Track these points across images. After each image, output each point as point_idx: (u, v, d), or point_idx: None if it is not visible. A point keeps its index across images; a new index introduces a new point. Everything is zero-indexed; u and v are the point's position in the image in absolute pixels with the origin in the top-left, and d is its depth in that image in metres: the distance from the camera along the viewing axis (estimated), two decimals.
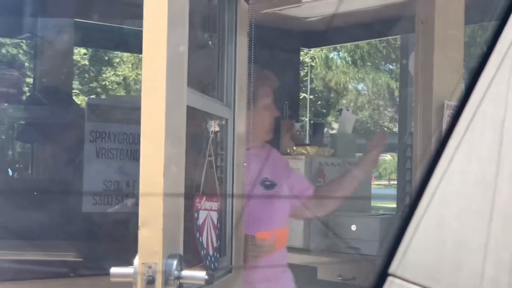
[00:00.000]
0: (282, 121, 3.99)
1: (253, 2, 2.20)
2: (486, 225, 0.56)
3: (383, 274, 0.65)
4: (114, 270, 1.48)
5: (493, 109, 0.58)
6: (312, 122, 5.64)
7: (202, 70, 2.29)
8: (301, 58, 7.25)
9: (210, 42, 2.68)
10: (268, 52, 3.85)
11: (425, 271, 0.61)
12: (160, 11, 1.40)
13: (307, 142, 4.43)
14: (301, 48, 5.26)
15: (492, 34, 0.60)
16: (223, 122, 2.22)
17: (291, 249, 3.04)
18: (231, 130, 2.19)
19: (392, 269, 0.64)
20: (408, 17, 3.11)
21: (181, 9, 1.49)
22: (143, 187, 1.44)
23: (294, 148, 4.01)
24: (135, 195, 2.55)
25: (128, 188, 2.83)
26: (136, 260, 1.42)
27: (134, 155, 2.82)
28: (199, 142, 2.14)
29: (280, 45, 4.31)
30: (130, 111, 2.91)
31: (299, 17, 4.17)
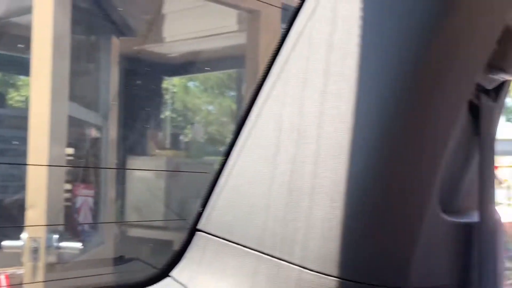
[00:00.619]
0: (149, 131, 3.99)
1: (125, 40, 2.23)
2: (268, 192, 0.57)
3: (193, 230, 0.64)
4: (5, 243, 1.42)
5: (274, 106, 0.58)
6: (172, 132, 5.70)
7: (83, 89, 2.25)
8: (166, 85, 7.17)
9: (90, 68, 2.62)
10: (138, 78, 3.79)
11: (223, 226, 0.61)
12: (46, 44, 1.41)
13: (168, 147, 4.50)
14: (165, 77, 5.25)
15: (273, 53, 0.60)
16: (100, 129, 2.21)
17: None
18: (106, 136, 2.18)
19: (200, 225, 0.63)
20: (240, 55, 3.17)
21: (64, 43, 1.49)
22: (30, 177, 1.41)
23: (157, 151, 4.04)
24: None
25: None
26: (24, 235, 1.38)
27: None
28: (80, 143, 2.10)
29: (147, 74, 4.27)
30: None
31: (163, 53, 4.14)
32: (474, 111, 0.59)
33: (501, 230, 0.66)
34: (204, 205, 0.63)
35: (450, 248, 0.58)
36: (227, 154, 0.62)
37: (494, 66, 0.56)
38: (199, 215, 0.63)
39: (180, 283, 0.61)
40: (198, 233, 0.63)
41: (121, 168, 2.31)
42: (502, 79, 0.60)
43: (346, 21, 0.53)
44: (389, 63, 0.50)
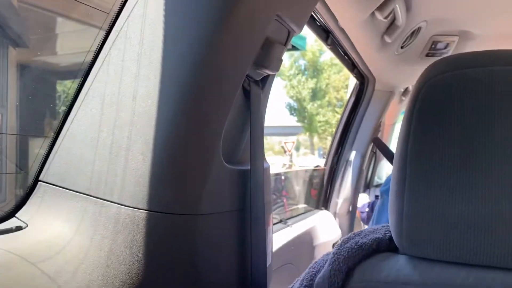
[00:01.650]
0: None
1: None
2: (95, 149, 0.57)
3: (36, 181, 0.62)
4: None
5: (99, 86, 0.59)
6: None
7: None
8: None
9: None
10: None
11: (59, 176, 0.60)
12: None
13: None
14: None
15: (99, 45, 0.61)
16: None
17: None
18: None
19: (40, 176, 0.62)
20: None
21: None
22: None
23: None
24: None
25: None
26: None
27: None
28: None
29: None
30: None
31: None
32: (247, 94, 0.68)
33: (268, 174, 0.75)
34: (44, 160, 0.62)
35: (232, 186, 0.66)
36: (63, 120, 0.62)
37: (259, 64, 0.66)
38: (40, 168, 0.62)
39: (23, 222, 0.59)
40: (39, 183, 0.62)
41: None
42: (265, 73, 0.71)
43: (152, 23, 0.56)
44: (186, 55, 0.56)
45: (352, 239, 0.61)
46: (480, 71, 0.49)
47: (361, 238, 0.61)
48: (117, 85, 0.58)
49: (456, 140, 0.48)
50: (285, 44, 0.74)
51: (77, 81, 0.62)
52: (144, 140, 0.56)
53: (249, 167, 0.70)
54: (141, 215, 0.56)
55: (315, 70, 17.90)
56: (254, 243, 0.69)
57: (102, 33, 0.61)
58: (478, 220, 0.47)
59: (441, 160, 0.49)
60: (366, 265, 0.57)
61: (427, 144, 0.50)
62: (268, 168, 0.78)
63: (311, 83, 17.86)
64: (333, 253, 0.61)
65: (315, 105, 18.14)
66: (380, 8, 1.09)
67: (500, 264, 0.47)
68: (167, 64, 0.56)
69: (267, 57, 0.67)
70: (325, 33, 1.24)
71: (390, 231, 0.59)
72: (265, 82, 0.75)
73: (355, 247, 0.59)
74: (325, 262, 0.61)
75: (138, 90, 0.57)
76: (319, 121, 18.15)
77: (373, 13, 1.11)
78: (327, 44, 1.29)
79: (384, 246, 0.59)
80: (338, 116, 6.22)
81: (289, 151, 11.65)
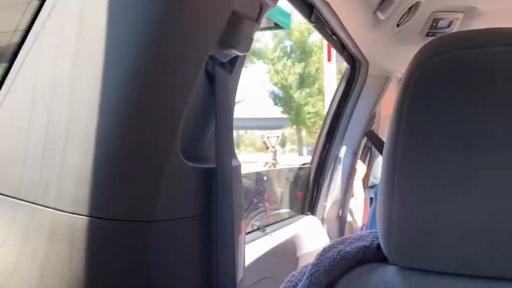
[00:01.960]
0: None
1: None
2: (26, 143, 0.57)
3: None
4: None
5: (30, 69, 0.59)
6: None
7: None
8: None
9: None
10: None
11: None
12: None
13: None
14: None
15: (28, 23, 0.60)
16: None
17: None
18: None
19: None
20: None
21: None
22: None
23: None
24: None
25: None
26: None
27: None
28: None
29: None
30: None
31: None
32: (211, 79, 0.68)
33: (238, 173, 0.75)
34: None
35: (193, 188, 0.65)
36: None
37: (225, 42, 0.66)
38: None
39: None
40: None
41: None
42: (233, 54, 0.71)
43: None
44: (136, 34, 0.55)
45: (335, 247, 0.62)
46: (480, 52, 0.49)
47: (345, 246, 0.61)
48: (51, 69, 0.57)
49: (454, 134, 0.48)
50: (257, 20, 0.74)
51: (2, 66, 0.61)
52: (86, 133, 0.55)
53: (215, 165, 0.70)
54: (82, 222, 0.55)
55: (303, 52, 17.94)
56: (221, 255, 0.69)
57: (32, 8, 0.60)
58: (477, 227, 0.48)
59: (437, 157, 0.49)
60: (350, 277, 0.57)
61: (421, 138, 0.50)
62: (238, 167, 0.78)
63: (298, 68, 17.90)
64: (312, 264, 0.61)
65: (303, 93, 18.17)
66: None
67: (501, 275, 0.47)
68: (112, 43, 0.55)
69: (234, 34, 0.67)
70: (307, 8, 1.24)
71: (378, 238, 0.59)
72: (233, 65, 0.75)
73: (338, 257, 0.59)
74: (304, 275, 0.61)
75: (78, 74, 0.56)
76: (308, 113, 18.21)
77: None
78: (311, 21, 1.29)
79: (371, 256, 0.60)
80: None
81: (273, 147, 11.72)
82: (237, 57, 0.75)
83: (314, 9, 1.25)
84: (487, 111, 0.47)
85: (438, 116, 0.49)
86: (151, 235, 0.59)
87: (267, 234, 1.54)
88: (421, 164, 0.50)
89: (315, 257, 0.62)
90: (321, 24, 1.37)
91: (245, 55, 0.77)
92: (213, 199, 0.69)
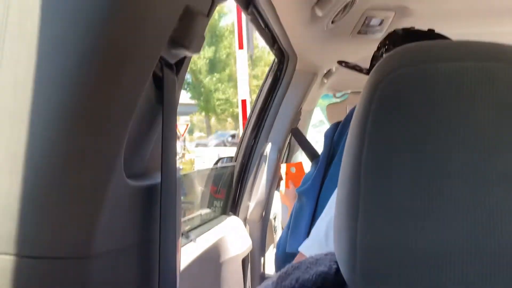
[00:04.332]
0: None
1: None
2: None
3: None
4: None
5: None
6: None
7: None
8: None
9: None
10: None
11: None
12: None
13: None
14: None
15: None
16: None
17: None
18: None
19: None
20: None
21: None
22: None
23: None
24: None
25: None
26: None
27: None
28: None
29: None
30: None
31: None
32: (158, 82, 0.62)
33: (180, 188, 0.71)
34: None
35: (134, 210, 0.61)
36: None
37: (176, 42, 0.60)
38: None
39: None
40: None
41: None
42: (183, 55, 0.66)
43: None
44: (74, 36, 0.48)
45: (291, 274, 0.60)
46: (452, 66, 0.48)
47: (302, 273, 0.60)
48: None
49: (425, 151, 0.47)
50: (208, 15, 0.69)
51: None
52: (11, 152, 0.48)
53: (159, 180, 0.64)
54: (5, 262, 0.48)
55: (213, 36, 17.85)
56: (162, 281, 0.64)
57: None
58: (456, 250, 0.47)
59: (407, 175, 0.48)
60: None
61: (388, 155, 0.49)
62: (180, 179, 0.73)
63: (209, 52, 17.80)
64: None
65: (214, 79, 18.13)
66: None
67: None
68: (47, 44, 0.48)
69: (188, 32, 0.62)
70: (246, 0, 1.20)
71: (335, 262, 0.58)
72: (180, 66, 0.69)
73: (296, 285, 0.57)
74: None
75: (3, 79, 0.48)
76: (218, 99, 18.21)
77: None
78: (247, 13, 1.25)
79: (330, 282, 0.58)
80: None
81: (182, 135, 11.57)
82: (184, 58, 0.69)
83: (252, 2, 1.20)
84: (458, 130, 0.46)
85: (406, 133, 0.47)
86: (90, 271, 0.53)
87: (191, 240, 1.49)
88: (389, 186, 0.48)
89: (271, 286, 0.59)
90: (256, 16, 1.33)
91: (191, 57, 0.72)
92: (157, 220, 0.64)
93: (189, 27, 0.62)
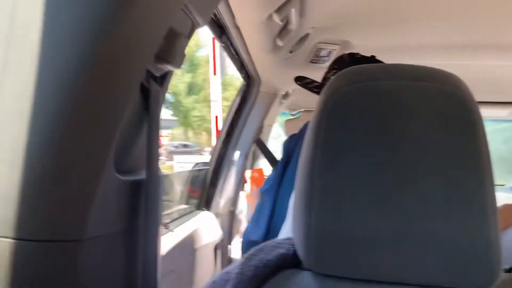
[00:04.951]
0: None
1: None
2: None
3: None
4: None
5: None
6: None
7: None
8: None
9: None
10: None
11: None
12: None
13: None
14: None
15: None
16: None
17: None
18: None
19: None
20: None
21: None
22: None
23: None
24: None
25: None
26: None
27: None
28: None
29: None
30: None
31: None
32: (145, 92, 0.60)
33: (162, 184, 0.69)
34: None
35: (122, 201, 0.58)
36: None
37: (161, 57, 0.58)
38: None
39: None
40: None
41: None
42: (167, 69, 0.64)
43: (26, 2, 0.45)
44: (72, 47, 0.46)
45: (256, 255, 0.59)
46: (387, 83, 0.49)
47: (265, 254, 0.59)
48: None
49: (367, 154, 0.48)
50: (188, 36, 0.67)
51: None
52: (12, 146, 0.44)
53: (144, 176, 0.62)
54: (4, 245, 0.45)
55: (191, 64, 17.83)
56: (145, 267, 0.62)
57: None
58: (388, 237, 0.47)
59: (352, 174, 0.48)
60: (272, 284, 0.54)
61: (337, 157, 0.49)
62: (162, 177, 0.70)
63: (188, 77, 17.76)
64: (236, 272, 0.56)
65: (191, 100, 18.09)
66: (278, 10, 1.08)
67: (408, 280, 0.48)
68: (47, 51, 0.45)
69: (171, 50, 0.60)
70: (220, 30, 1.18)
71: (293, 245, 0.57)
72: (164, 79, 0.67)
73: (260, 265, 0.56)
74: (226, 282, 0.56)
75: (6, 80, 0.45)
76: (195, 116, 18.17)
77: (270, 15, 1.09)
78: (221, 42, 1.23)
79: (289, 262, 0.57)
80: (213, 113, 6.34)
81: (163, 145, 11.52)
82: (167, 72, 0.66)
83: (225, 31, 1.19)
84: (395, 136, 0.47)
85: (353, 136, 0.48)
86: (83, 254, 0.50)
87: (171, 230, 1.45)
88: (338, 181, 0.48)
89: (238, 266, 0.57)
90: (228, 44, 1.31)
91: (173, 71, 0.69)
92: (141, 210, 0.62)
93: (172, 45, 0.60)
